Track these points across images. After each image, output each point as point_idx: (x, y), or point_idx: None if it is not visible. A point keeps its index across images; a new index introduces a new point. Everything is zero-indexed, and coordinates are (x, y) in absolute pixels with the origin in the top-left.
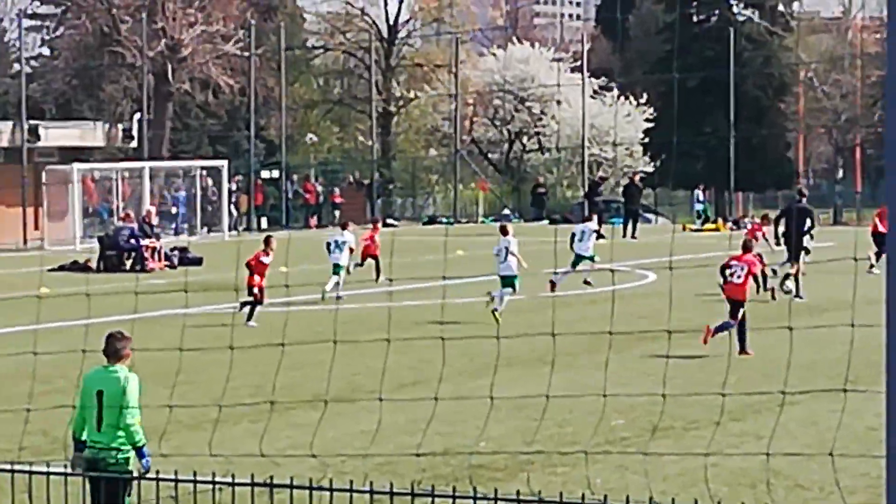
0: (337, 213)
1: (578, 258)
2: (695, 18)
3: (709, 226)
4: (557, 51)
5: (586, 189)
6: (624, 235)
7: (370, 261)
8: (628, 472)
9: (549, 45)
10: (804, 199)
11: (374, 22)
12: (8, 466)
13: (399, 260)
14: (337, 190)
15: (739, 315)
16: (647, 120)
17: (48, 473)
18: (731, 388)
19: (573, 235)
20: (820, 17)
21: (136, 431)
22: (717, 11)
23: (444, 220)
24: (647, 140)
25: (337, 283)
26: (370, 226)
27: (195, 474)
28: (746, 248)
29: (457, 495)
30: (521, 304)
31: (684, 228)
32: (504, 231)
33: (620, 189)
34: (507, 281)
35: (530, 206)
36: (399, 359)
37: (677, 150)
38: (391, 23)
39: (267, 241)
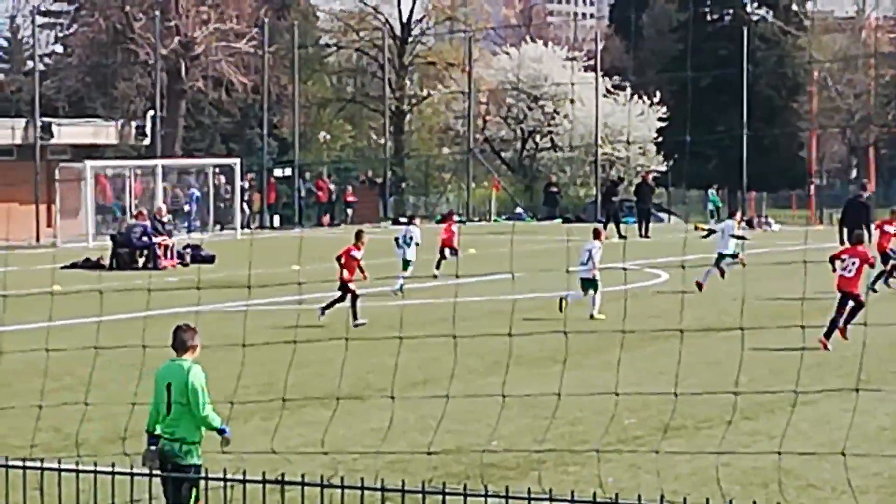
0: (349, 211)
1: (720, 256)
2: (708, 17)
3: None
4: (571, 49)
5: (605, 189)
6: (640, 235)
7: (448, 252)
8: (640, 472)
9: (563, 44)
10: (865, 194)
11: (387, 20)
12: (20, 463)
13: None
14: (349, 188)
15: (848, 307)
16: (660, 119)
17: (59, 470)
18: (743, 387)
19: (717, 233)
20: (834, 17)
21: (212, 420)
22: (730, 10)
23: (457, 218)
24: (660, 139)
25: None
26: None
27: (206, 471)
28: (859, 240)
29: (468, 493)
30: (531, 303)
31: (696, 228)
32: (597, 234)
33: (633, 188)
34: (584, 284)
35: (543, 204)
36: (410, 357)
37: (690, 149)
38: (404, 21)
39: (358, 235)
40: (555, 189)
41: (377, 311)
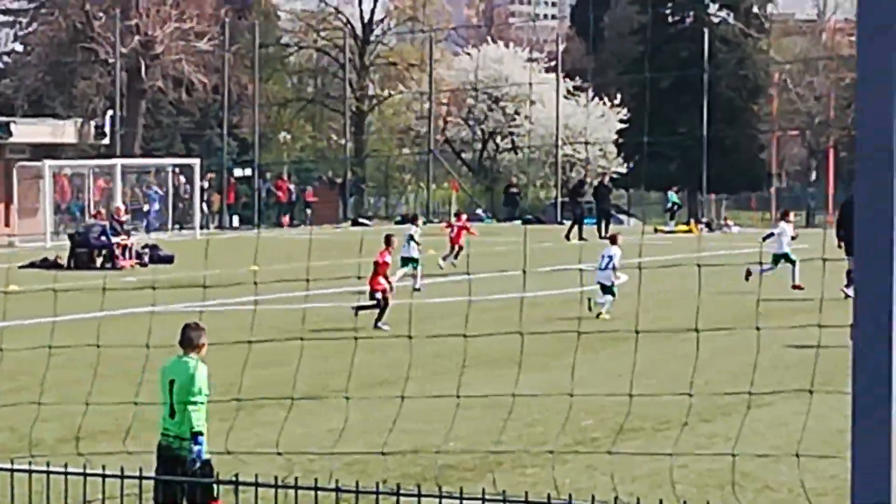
0: (309, 211)
1: (776, 257)
2: (669, 19)
3: (681, 227)
4: (532, 51)
5: (571, 188)
6: (600, 236)
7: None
8: (597, 473)
9: (524, 45)
10: None
11: (348, 20)
12: None
13: (371, 259)
14: (310, 188)
15: None
16: (620, 121)
17: (12, 470)
18: (701, 389)
19: (774, 236)
20: (794, 19)
21: (195, 417)
22: (691, 12)
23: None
24: (620, 141)
25: (413, 276)
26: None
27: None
28: None
29: (422, 494)
30: (492, 304)
31: (656, 231)
32: (614, 240)
33: (591, 189)
34: (603, 289)
35: (503, 206)
36: (371, 358)
37: (651, 151)
38: (365, 21)
39: (388, 239)
40: (515, 190)
41: (336, 312)
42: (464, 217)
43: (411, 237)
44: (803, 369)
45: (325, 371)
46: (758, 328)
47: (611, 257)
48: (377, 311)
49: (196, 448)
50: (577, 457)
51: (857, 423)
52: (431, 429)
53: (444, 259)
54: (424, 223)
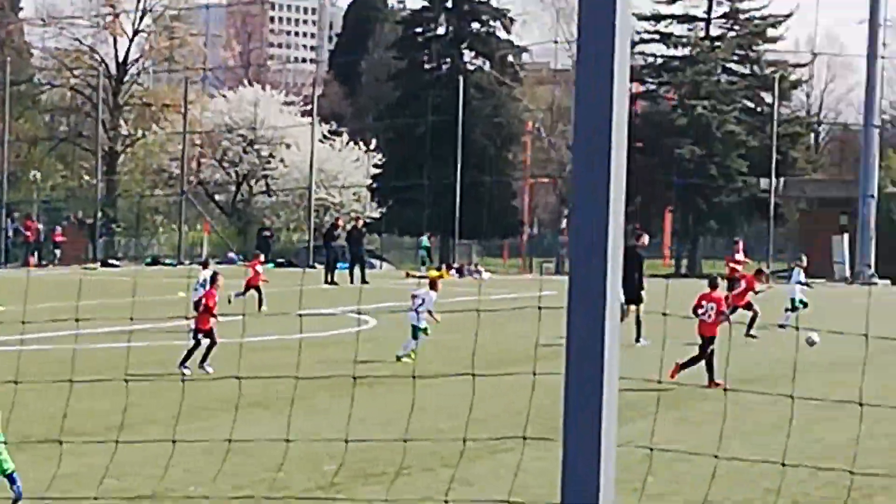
0: (57, 251)
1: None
2: (426, 66)
3: (432, 272)
4: (289, 94)
5: (323, 232)
6: (352, 281)
7: (253, 291)
8: None
9: (281, 89)
10: (638, 243)
11: (102, 60)
12: None
13: (115, 301)
14: (59, 228)
15: (708, 350)
16: (375, 165)
17: None
18: (444, 434)
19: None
20: (549, 69)
21: (3, 460)
22: (448, 59)
23: (168, 261)
24: (374, 185)
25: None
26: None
27: None
28: (713, 285)
29: None
30: (244, 346)
31: (407, 275)
32: (433, 285)
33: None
34: (415, 331)
35: (255, 248)
36: (112, 400)
37: (405, 196)
38: (120, 61)
39: (214, 278)
40: (268, 233)
41: (69, 355)
42: (261, 259)
43: (205, 282)
44: (543, 414)
45: (62, 413)
46: (476, 374)
47: (423, 300)
48: (204, 351)
49: (16, 487)
50: (317, 503)
51: (567, 473)
52: (170, 474)
53: (260, 309)
54: (174, 265)
